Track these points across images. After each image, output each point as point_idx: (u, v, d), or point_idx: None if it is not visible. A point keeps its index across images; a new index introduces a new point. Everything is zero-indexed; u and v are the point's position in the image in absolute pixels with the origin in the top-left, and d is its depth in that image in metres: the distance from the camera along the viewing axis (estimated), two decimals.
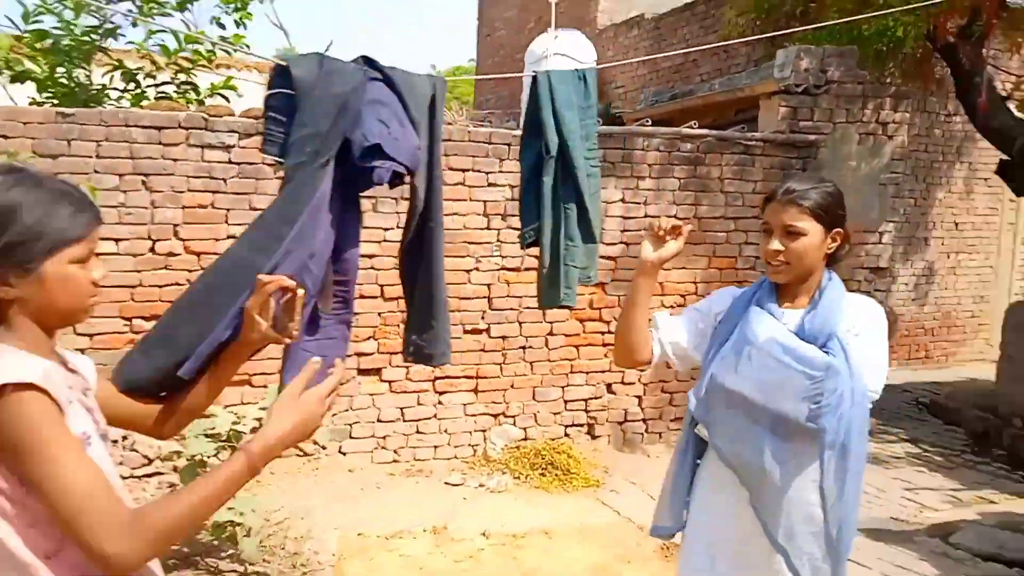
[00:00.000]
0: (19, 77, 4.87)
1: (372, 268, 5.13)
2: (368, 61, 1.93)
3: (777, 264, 1.89)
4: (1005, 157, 7.01)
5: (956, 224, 10.06)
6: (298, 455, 5.10)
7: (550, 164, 2.59)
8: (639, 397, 5.95)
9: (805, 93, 6.03)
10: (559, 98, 2.56)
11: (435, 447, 5.44)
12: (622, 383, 5.88)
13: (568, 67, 9.93)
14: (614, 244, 5.71)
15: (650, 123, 5.92)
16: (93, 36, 4.90)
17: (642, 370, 2.39)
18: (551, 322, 5.60)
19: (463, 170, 5.26)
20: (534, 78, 2.60)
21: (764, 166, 6.01)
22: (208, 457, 3.30)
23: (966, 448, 6.30)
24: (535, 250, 5.46)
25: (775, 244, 1.88)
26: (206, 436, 3.27)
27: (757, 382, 1.84)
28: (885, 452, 6.09)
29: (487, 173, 5.32)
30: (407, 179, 1.98)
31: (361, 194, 1.94)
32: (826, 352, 1.81)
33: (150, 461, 4.46)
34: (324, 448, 5.10)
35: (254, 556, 3.38)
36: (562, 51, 11.00)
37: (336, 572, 3.67)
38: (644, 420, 5.99)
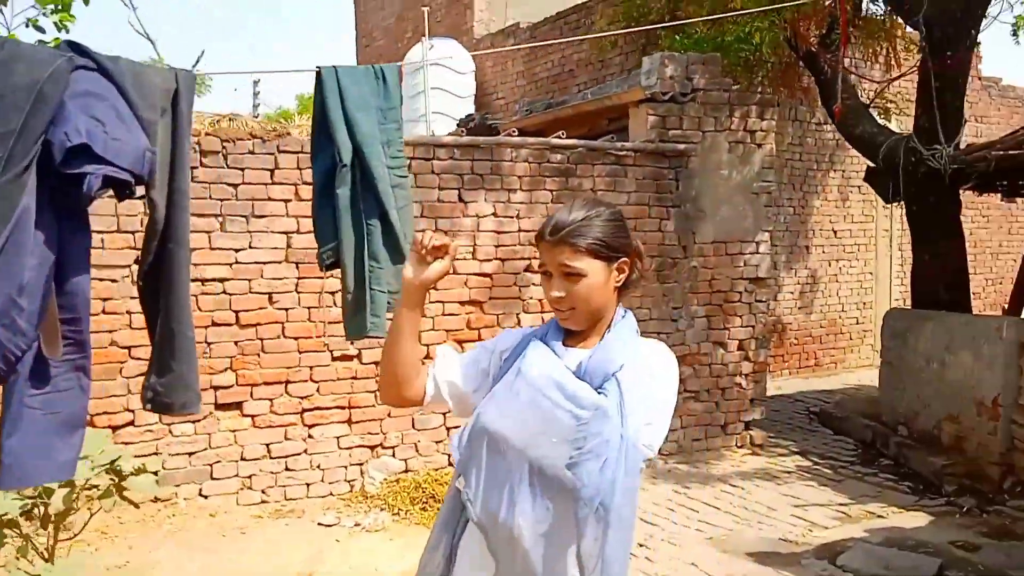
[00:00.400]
0: None
1: (225, 293, 5.11)
2: (74, 46, 1.72)
3: (563, 311, 1.77)
4: (871, 164, 7.68)
5: (835, 232, 10.85)
6: (152, 501, 4.98)
7: (345, 173, 2.47)
8: None
9: (672, 101, 6.43)
10: (350, 98, 2.45)
11: (307, 484, 5.43)
12: None
13: (448, 77, 10.01)
14: (489, 260, 5.89)
15: (517, 133, 6.16)
16: None
17: (420, 412, 2.22)
18: (427, 344, 5.71)
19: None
20: (317, 74, 2.44)
21: (637, 176, 6.35)
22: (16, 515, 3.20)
23: (854, 459, 6.78)
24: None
25: (556, 291, 1.74)
26: (16, 498, 3.17)
27: (521, 422, 1.69)
28: (776, 467, 6.49)
29: None
30: (139, 189, 1.77)
31: (89, 207, 1.70)
32: (600, 393, 1.68)
33: None
34: (176, 492, 5.00)
35: None
36: (438, 60, 11.23)
37: None
38: None
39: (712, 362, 6.77)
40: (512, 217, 5.96)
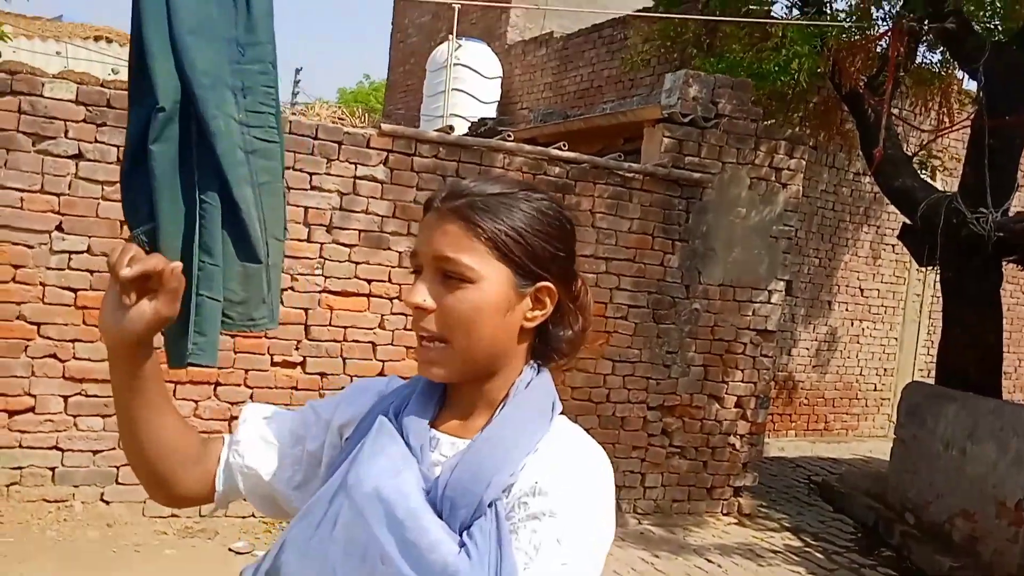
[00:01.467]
0: None
1: None
2: None
3: (428, 342, 1.05)
4: (908, 222, 6.98)
5: (861, 290, 10.10)
6: (45, 500, 4.38)
7: (163, 123, 1.76)
8: None
9: (692, 124, 5.78)
10: (182, 17, 1.78)
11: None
12: None
13: (472, 80, 9.47)
14: None
15: (512, 138, 5.54)
16: None
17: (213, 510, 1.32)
18: (383, 360, 5.09)
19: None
20: None
21: (643, 203, 5.70)
22: None
23: (852, 544, 6.05)
24: (365, 271, 5.08)
25: (418, 296, 1.04)
26: None
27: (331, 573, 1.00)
28: (762, 543, 5.78)
29: (311, 174, 4.80)
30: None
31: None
32: (463, 542, 0.96)
33: None
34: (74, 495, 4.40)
35: None
36: (464, 61, 10.73)
37: None
38: None
39: (704, 417, 6.07)
40: None
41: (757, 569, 5.28)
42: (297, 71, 27.74)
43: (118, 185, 4.28)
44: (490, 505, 0.97)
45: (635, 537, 5.54)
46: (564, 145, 5.47)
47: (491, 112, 10.37)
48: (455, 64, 10.54)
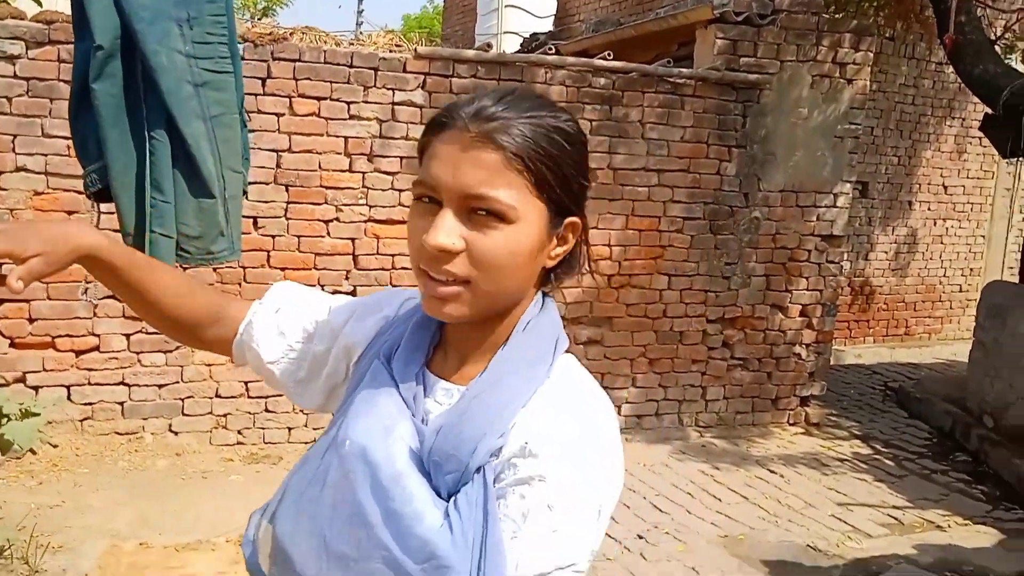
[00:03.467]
0: None
1: None
2: None
3: (444, 282, 0.91)
4: (990, 111, 6.45)
5: (945, 187, 9.51)
6: (116, 433, 4.59)
7: (103, 61, 1.70)
8: None
9: (747, 23, 5.41)
10: None
11: (289, 429, 4.94)
12: None
13: (521, 16, 9.11)
14: None
15: (553, 51, 5.30)
16: None
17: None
18: None
19: (317, 98, 4.64)
20: None
21: (696, 109, 5.42)
22: None
23: (925, 450, 5.84)
24: (409, 198, 5.00)
25: (444, 236, 0.89)
26: None
27: (322, 545, 0.93)
28: (829, 452, 5.63)
29: (348, 103, 4.71)
30: None
31: None
32: (456, 502, 0.88)
33: None
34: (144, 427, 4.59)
35: None
36: None
37: None
38: None
39: (768, 327, 5.88)
40: None
41: (821, 477, 5.15)
42: (359, 0, 27.40)
43: None
44: (478, 470, 0.89)
45: (696, 450, 5.47)
46: (609, 55, 5.21)
47: (547, 26, 9.99)
48: (507, 6, 10.16)
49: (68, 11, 4.42)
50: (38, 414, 3.06)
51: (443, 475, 0.89)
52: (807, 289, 5.92)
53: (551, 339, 0.97)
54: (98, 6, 1.64)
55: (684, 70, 5.37)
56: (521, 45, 8.12)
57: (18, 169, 4.20)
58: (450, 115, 0.92)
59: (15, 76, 4.15)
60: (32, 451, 3.62)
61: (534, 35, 8.21)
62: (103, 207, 2.24)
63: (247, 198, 1.96)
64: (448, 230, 0.88)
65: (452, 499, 0.88)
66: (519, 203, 0.89)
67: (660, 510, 4.50)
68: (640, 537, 4.14)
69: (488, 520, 0.86)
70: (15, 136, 4.18)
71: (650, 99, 5.31)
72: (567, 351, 0.99)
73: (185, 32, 1.70)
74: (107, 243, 1.03)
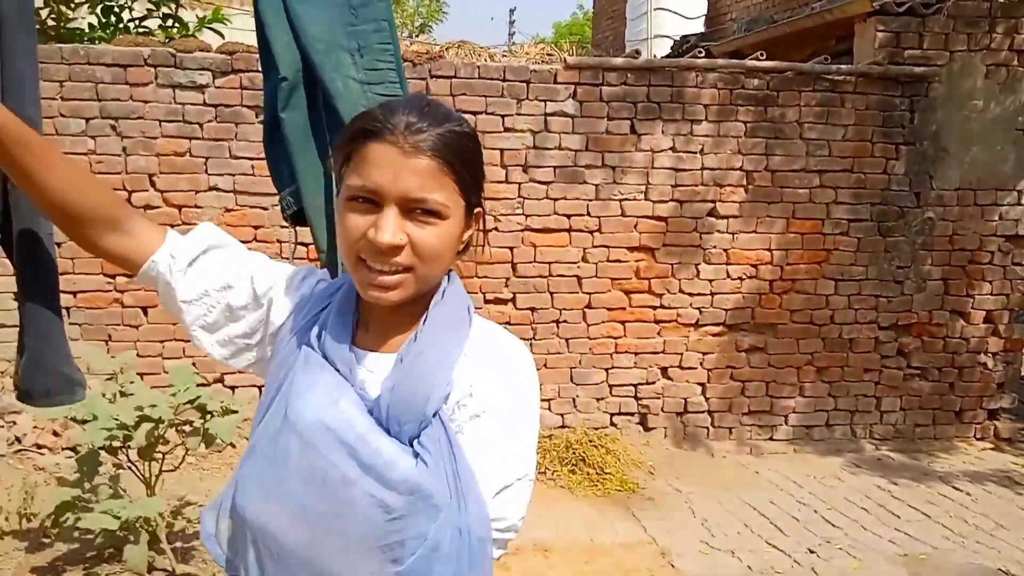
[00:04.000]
0: None
1: None
2: None
3: (390, 272, 1.05)
4: None
5: None
6: None
7: (287, 91, 1.85)
8: (702, 384, 5.37)
9: (910, 13, 5.18)
10: None
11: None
12: (680, 367, 5.32)
13: (671, 19, 9.09)
14: (663, 202, 5.14)
15: (704, 53, 5.27)
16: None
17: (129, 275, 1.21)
18: (589, 293, 5.13)
19: (473, 112, 4.85)
20: None
21: (857, 106, 5.22)
22: (101, 447, 3.13)
23: None
24: (564, 207, 5.09)
25: (389, 233, 1.03)
26: (105, 429, 3.08)
27: (298, 511, 1.03)
28: (1022, 470, 5.19)
29: (503, 116, 4.89)
30: None
31: None
32: (416, 452, 1.03)
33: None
34: None
35: (139, 566, 3.16)
36: None
37: None
38: (709, 412, 5.41)
39: (948, 335, 5.52)
40: (694, 152, 5.13)
41: (1014, 497, 4.76)
42: (511, 11, 28.15)
43: None
44: (434, 415, 1.04)
45: (871, 463, 5.20)
46: (762, 54, 5.13)
47: (698, 27, 9.89)
48: (656, 8, 10.17)
49: (248, 41, 4.85)
50: (236, 411, 3.35)
51: (403, 425, 1.03)
52: (991, 294, 5.53)
53: (464, 305, 1.15)
54: (281, 43, 1.81)
55: (843, 66, 5.20)
56: (671, 48, 8.12)
57: (211, 188, 4.65)
58: (378, 126, 1.04)
59: (204, 104, 4.60)
60: (232, 444, 3.93)
61: (684, 37, 8.18)
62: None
63: None
64: (395, 229, 1.03)
65: (415, 442, 1.03)
66: (449, 201, 1.06)
67: (833, 524, 4.31)
68: (811, 552, 3.98)
69: (455, 451, 1.03)
70: (207, 159, 4.63)
71: (807, 98, 5.17)
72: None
73: (357, 61, 1.84)
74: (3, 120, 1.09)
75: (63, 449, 4.33)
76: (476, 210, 1.13)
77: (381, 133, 1.04)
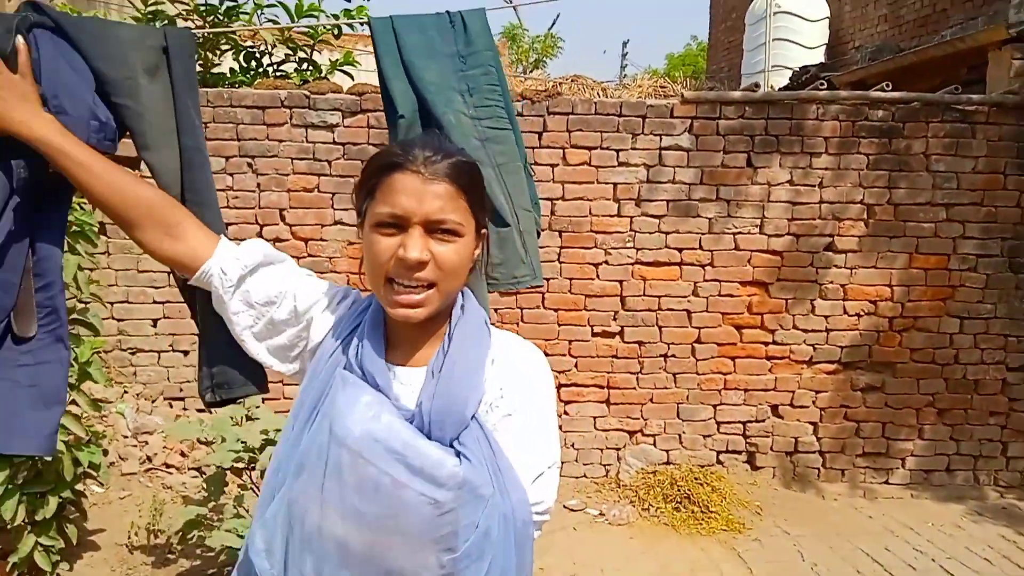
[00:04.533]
0: None
1: None
2: (33, 6, 1.49)
3: (415, 289, 1.21)
4: None
5: None
6: None
7: (407, 126, 2.06)
8: (814, 424, 5.26)
9: None
10: (410, 47, 2.02)
11: (561, 463, 5.19)
12: (791, 406, 5.23)
13: (796, 26, 8.94)
14: (779, 235, 5.07)
15: (825, 85, 5.17)
16: (217, 16, 5.24)
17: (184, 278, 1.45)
18: (698, 327, 5.11)
19: (588, 148, 4.93)
20: (370, 26, 2.16)
21: (989, 138, 5.02)
22: (228, 468, 3.35)
23: None
24: (675, 240, 5.09)
25: (415, 251, 1.19)
26: (232, 451, 3.31)
27: (356, 515, 1.14)
28: None
29: (617, 151, 4.94)
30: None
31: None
32: (457, 452, 1.16)
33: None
34: None
35: None
36: (785, 7, 10.15)
37: None
38: (821, 452, 5.29)
39: None
40: (812, 185, 5.04)
41: None
42: (624, 44, 28.12)
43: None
44: (473, 417, 1.19)
45: (995, 512, 4.97)
46: (888, 85, 5.00)
47: (818, 57, 9.68)
48: (776, 12, 9.99)
49: (375, 82, 5.12)
50: None
51: (445, 429, 1.17)
52: None
53: (483, 318, 1.31)
54: (399, 87, 2.06)
55: (975, 96, 5.01)
56: (791, 79, 7.96)
57: (335, 223, 4.89)
58: (401, 159, 1.22)
59: (334, 142, 4.86)
60: None
61: (804, 68, 8.01)
62: None
63: (539, 237, 2.25)
64: (421, 247, 1.20)
65: (455, 443, 1.16)
66: (464, 221, 1.23)
67: (952, 575, 4.15)
68: None
69: (493, 447, 1.18)
70: (334, 194, 4.88)
71: (935, 129, 5.01)
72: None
73: (466, 99, 2.09)
74: (44, 135, 1.30)
75: (189, 469, 4.64)
76: (483, 230, 1.31)
77: (404, 164, 1.21)
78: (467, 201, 1.23)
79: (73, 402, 3.37)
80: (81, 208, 3.39)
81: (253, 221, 4.84)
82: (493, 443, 1.18)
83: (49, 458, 3.19)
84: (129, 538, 3.88)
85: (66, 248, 3.28)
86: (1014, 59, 5.00)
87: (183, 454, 4.65)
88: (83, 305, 3.57)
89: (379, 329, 1.28)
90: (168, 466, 4.56)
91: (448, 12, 2.07)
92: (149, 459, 4.55)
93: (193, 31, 1.70)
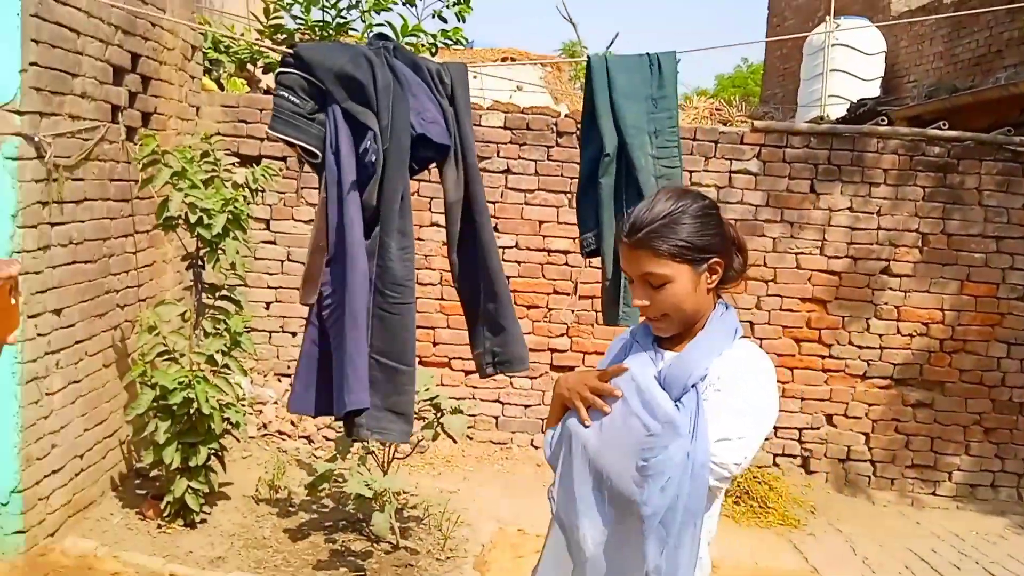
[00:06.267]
0: (268, 68, 6.01)
1: (567, 265, 5.55)
2: (382, 37, 2.11)
3: (654, 319, 1.70)
4: None
5: None
6: (493, 442, 5.67)
7: (608, 163, 2.54)
8: (866, 434, 5.73)
9: None
10: (619, 87, 2.50)
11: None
12: (845, 416, 5.70)
13: (852, 59, 9.42)
14: (838, 258, 5.57)
15: (886, 122, 5.68)
16: (328, 32, 5.88)
17: None
18: (760, 339, 5.61)
19: None
20: (588, 63, 2.52)
21: None
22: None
23: None
24: None
25: (639, 299, 1.68)
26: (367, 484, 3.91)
27: (599, 427, 1.68)
28: None
29: (690, 172, 5.48)
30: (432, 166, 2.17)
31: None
32: (678, 404, 1.62)
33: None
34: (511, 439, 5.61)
35: (383, 531, 3.92)
36: (843, 40, 10.63)
37: (478, 561, 4.09)
38: (872, 461, 5.75)
39: None
40: (871, 213, 5.54)
41: None
42: (675, 63, 28.60)
43: (537, 192, 5.40)
44: (693, 386, 1.62)
45: None
46: (944, 124, 5.50)
47: (873, 90, 10.14)
48: (833, 45, 10.49)
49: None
50: (462, 411, 4.11)
51: (672, 389, 1.63)
52: None
53: (732, 327, 1.71)
54: (607, 126, 2.58)
55: None
56: (847, 111, 8.45)
57: (432, 224, 5.48)
58: (618, 230, 1.80)
59: None
60: (454, 440, 4.66)
61: (861, 100, 8.50)
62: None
63: None
64: (641, 295, 1.68)
65: (677, 401, 1.62)
66: (670, 270, 1.63)
67: None
68: None
69: (699, 408, 1.60)
70: (431, 199, 5.47)
71: (988, 167, 5.50)
72: (744, 337, 1.75)
73: (653, 141, 2.59)
74: None
75: (299, 436, 5.23)
76: (709, 263, 1.65)
77: (619, 237, 1.72)
78: (667, 255, 1.62)
79: (226, 366, 3.96)
80: (244, 199, 3.99)
81: None
82: (700, 408, 1.60)
83: (206, 412, 3.78)
84: (256, 490, 4.46)
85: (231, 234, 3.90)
86: None
87: (293, 423, 5.25)
88: (237, 285, 4.19)
89: (650, 333, 1.78)
90: (281, 433, 5.16)
91: (648, 54, 2.56)
92: (264, 426, 5.15)
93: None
